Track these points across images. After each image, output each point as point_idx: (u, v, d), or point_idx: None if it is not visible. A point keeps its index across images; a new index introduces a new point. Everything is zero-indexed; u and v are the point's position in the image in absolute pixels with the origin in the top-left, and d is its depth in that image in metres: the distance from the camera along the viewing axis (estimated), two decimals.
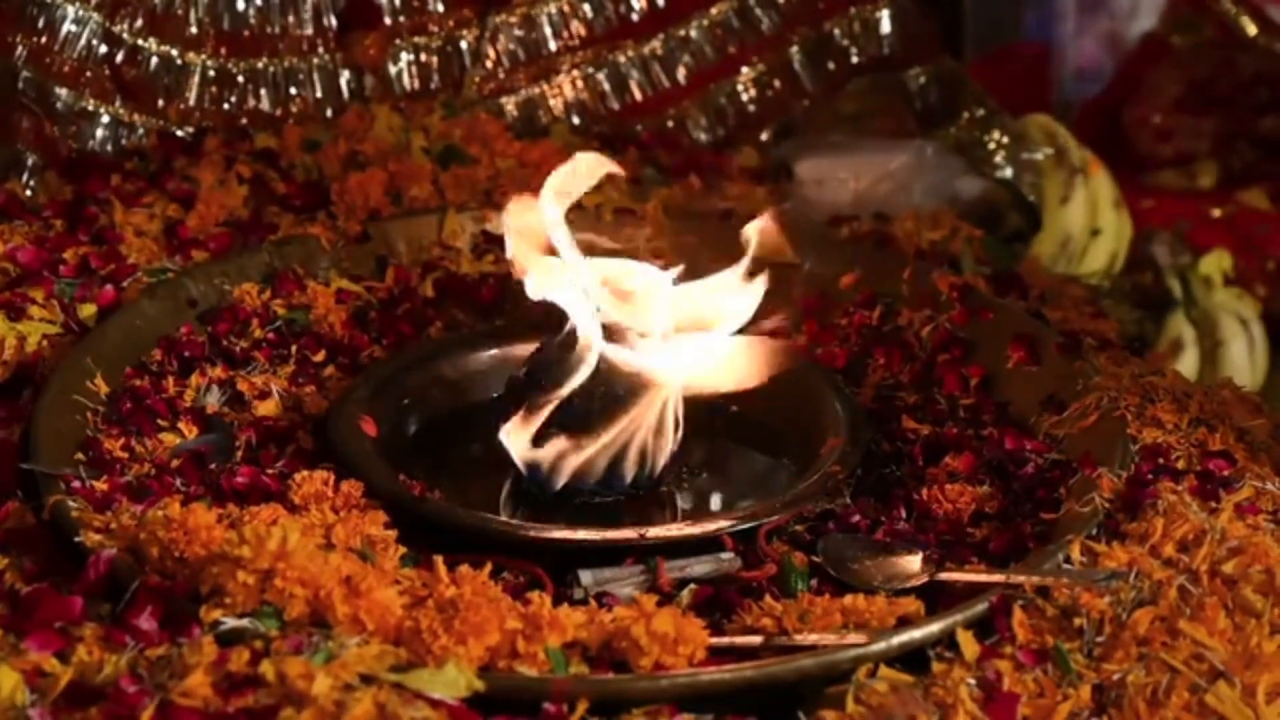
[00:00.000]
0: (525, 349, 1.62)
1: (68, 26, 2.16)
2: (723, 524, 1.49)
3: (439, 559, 1.36)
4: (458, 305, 1.89)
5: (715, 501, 1.59)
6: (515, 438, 1.55)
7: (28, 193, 2.05)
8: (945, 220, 2.10)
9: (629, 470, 1.56)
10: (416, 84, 2.30)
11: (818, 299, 1.87)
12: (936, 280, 1.85)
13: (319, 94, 2.26)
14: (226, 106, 2.23)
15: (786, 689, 1.27)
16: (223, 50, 2.24)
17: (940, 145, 2.27)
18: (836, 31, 2.41)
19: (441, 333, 1.84)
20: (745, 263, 1.59)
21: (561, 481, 1.55)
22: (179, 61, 2.22)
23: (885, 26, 2.41)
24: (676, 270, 1.61)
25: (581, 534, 1.48)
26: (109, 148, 2.17)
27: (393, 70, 2.29)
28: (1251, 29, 2.93)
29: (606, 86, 2.35)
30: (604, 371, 1.55)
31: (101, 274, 1.80)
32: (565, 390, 1.53)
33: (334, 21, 2.27)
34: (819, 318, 1.86)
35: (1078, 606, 1.33)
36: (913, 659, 1.30)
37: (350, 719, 1.15)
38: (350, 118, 2.15)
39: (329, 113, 2.25)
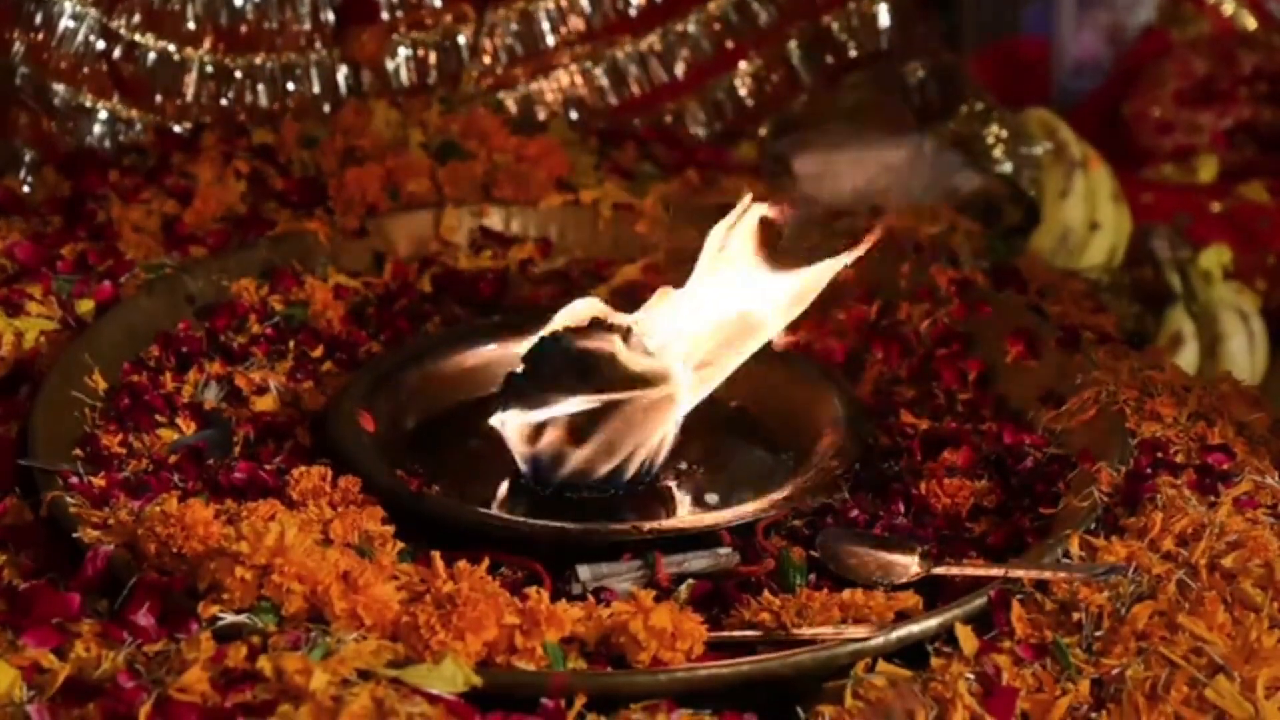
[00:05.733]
0: (523, 344, 1.62)
1: (65, 22, 2.15)
2: (720, 519, 1.49)
3: (437, 554, 1.36)
4: (455, 300, 1.89)
5: (713, 497, 1.58)
6: (514, 432, 1.55)
7: (25, 189, 2.05)
8: (944, 214, 2.10)
9: (627, 466, 1.56)
10: (414, 79, 2.30)
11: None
12: (935, 275, 1.85)
13: (316, 89, 2.26)
14: (224, 102, 2.23)
15: (785, 684, 1.27)
16: (220, 46, 2.24)
17: (939, 140, 2.27)
18: (834, 26, 2.41)
19: (439, 328, 1.84)
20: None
21: (560, 476, 1.55)
22: (176, 57, 2.22)
23: (883, 20, 2.41)
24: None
25: (579, 528, 1.48)
26: (107, 144, 2.17)
27: (390, 66, 2.29)
28: (1251, 23, 2.92)
29: (604, 81, 2.35)
30: (605, 368, 1.55)
31: (99, 270, 1.80)
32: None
33: (331, 17, 2.27)
34: (817, 313, 1.86)
35: (1076, 601, 1.33)
36: (911, 654, 1.30)
37: (348, 715, 1.15)
38: (348, 113, 2.15)
39: (326, 108, 2.25)
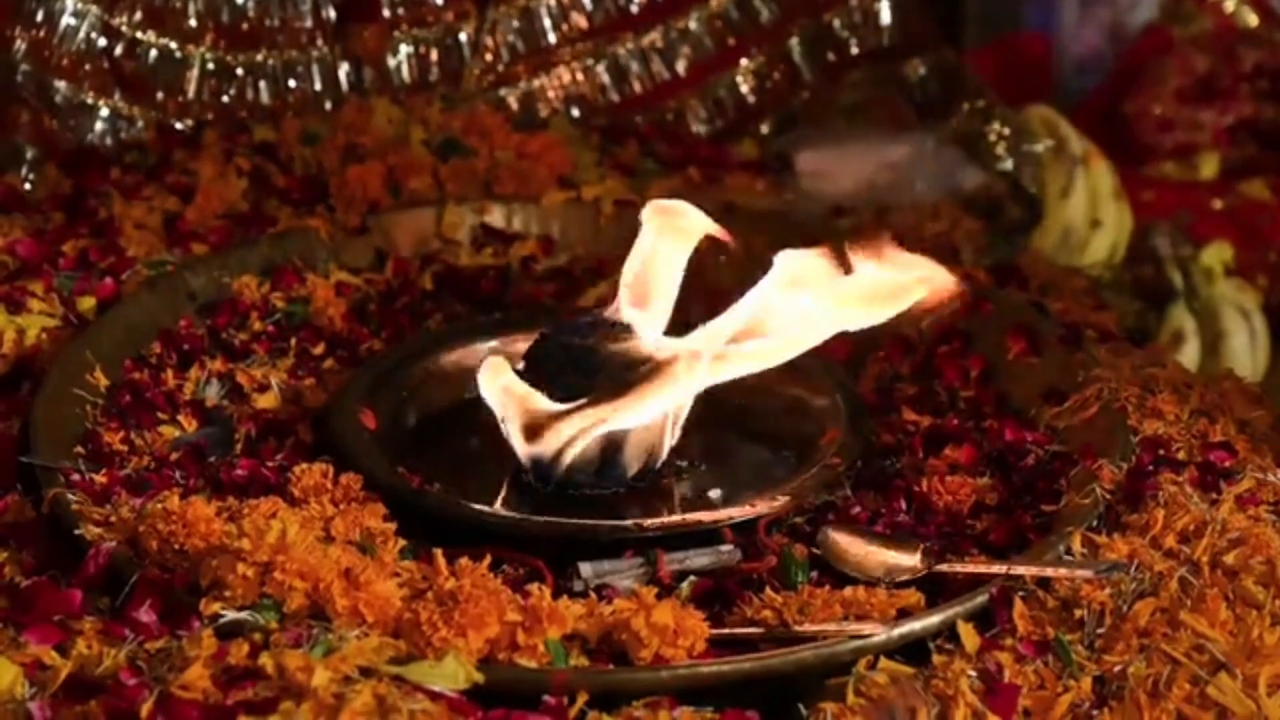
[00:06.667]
0: (524, 341, 1.62)
1: (67, 19, 2.16)
2: (722, 516, 1.49)
3: (438, 551, 1.36)
4: (457, 298, 1.89)
5: (715, 493, 1.58)
6: (515, 430, 1.55)
7: (27, 186, 2.05)
8: (945, 212, 2.10)
9: (629, 462, 1.56)
10: (416, 76, 2.30)
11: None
12: None
13: (318, 87, 2.26)
14: (225, 99, 2.23)
15: (787, 681, 1.27)
16: (222, 43, 2.24)
17: (940, 137, 2.27)
18: (836, 23, 2.40)
19: (441, 325, 1.84)
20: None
21: (561, 472, 1.55)
22: (178, 54, 2.22)
23: (885, 17, 2.41)
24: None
25: (581, 525, 1.48)
26: (108, 141, 2.18)
27: (392, 63, 2.28)
28: (1252, 19, 2.92)
29: (606, 78, 2.35)
30: (606, 362, 1.55)
31: (101, 267, 1.80)
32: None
33: (333, 14, 2.27)
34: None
35: (1078, 598, 1.33)
36: (913, 651, 1.30)
37: (350, 712, 1.14)
38: (349, 110, 2.15)
39: (328, 105, 2.25)
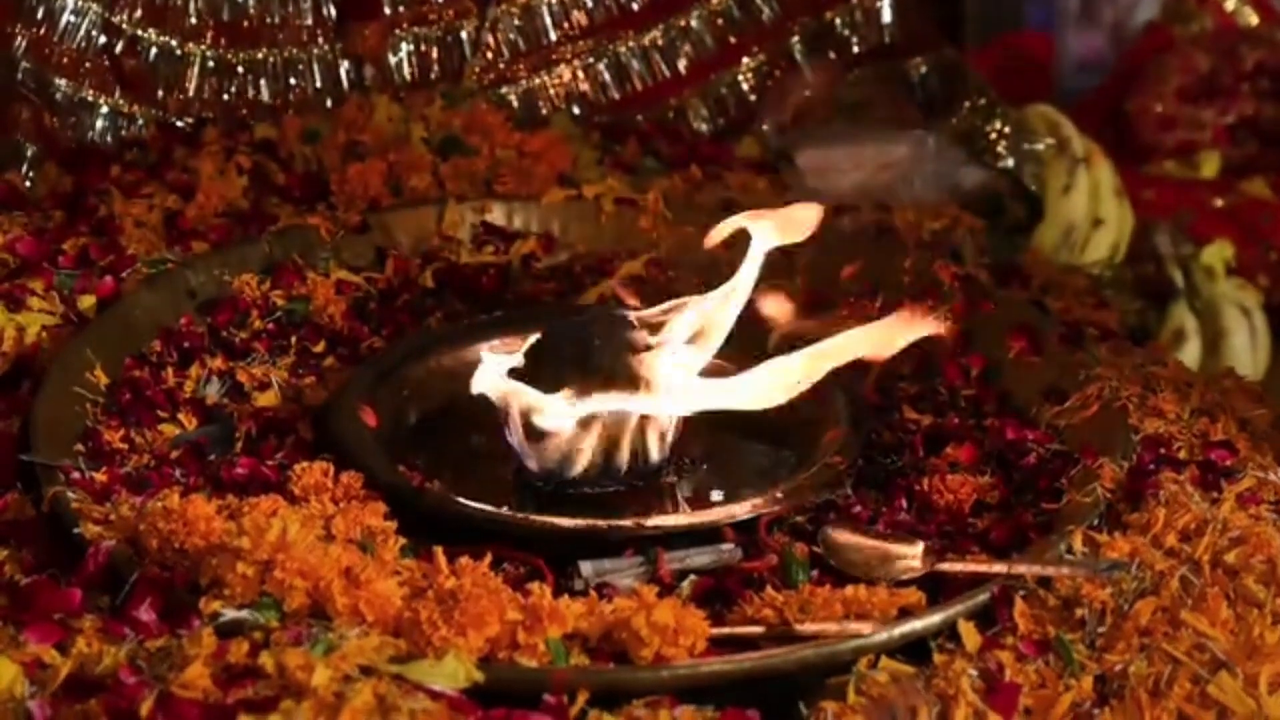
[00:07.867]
0: (525, 340, 1.62)
1: (67, 17, 2.16)
2: (723, 515, 1.49)
3: (439, 550, 1.36)
4: (457, 296, 1.89)
5: (716, 492, 1.58)
6: (516, 428, 1.55)
7: (27, 184, 2.05)
8: (946, 210, 2.10)
9: (629, 461, 1.56)
10: (416, 74, 2.30)
11: (819, 290, 1.87)
12: (938, 270, 1.84)
13: (318, 84, 2.26)
14: (226, 97, 2.24)
15: (787, 680, 1.27)
16: (222, 41, 2.24)
17: (941, 135, 2.27)
18: (837, 21, 2.41)
19: (441, 323, 1.84)
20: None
21: (562, 472, 1.55)
22: (178, 52, 2.22)
23: (886, 16, 2.41)
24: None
25: (581, 524, 1.47)
26: (108, 138, 2.18)
27: (392, 60, 2.28)
28: (1253, 18, 2.92)
29: (607, 76, 2.35)
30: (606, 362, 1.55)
31: (101, 265, 1.80)
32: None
33: (333, 11, 2.27)
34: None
35: (1079, 597, 1.33)
36: (914, 650, 1.30)
37: (350, 711, 1.14)
38: (350, 108, 2.15)
39: (328, 103, 2.25)
